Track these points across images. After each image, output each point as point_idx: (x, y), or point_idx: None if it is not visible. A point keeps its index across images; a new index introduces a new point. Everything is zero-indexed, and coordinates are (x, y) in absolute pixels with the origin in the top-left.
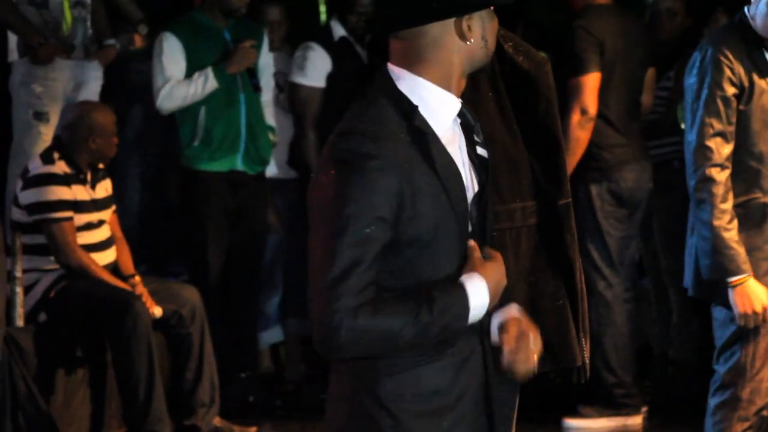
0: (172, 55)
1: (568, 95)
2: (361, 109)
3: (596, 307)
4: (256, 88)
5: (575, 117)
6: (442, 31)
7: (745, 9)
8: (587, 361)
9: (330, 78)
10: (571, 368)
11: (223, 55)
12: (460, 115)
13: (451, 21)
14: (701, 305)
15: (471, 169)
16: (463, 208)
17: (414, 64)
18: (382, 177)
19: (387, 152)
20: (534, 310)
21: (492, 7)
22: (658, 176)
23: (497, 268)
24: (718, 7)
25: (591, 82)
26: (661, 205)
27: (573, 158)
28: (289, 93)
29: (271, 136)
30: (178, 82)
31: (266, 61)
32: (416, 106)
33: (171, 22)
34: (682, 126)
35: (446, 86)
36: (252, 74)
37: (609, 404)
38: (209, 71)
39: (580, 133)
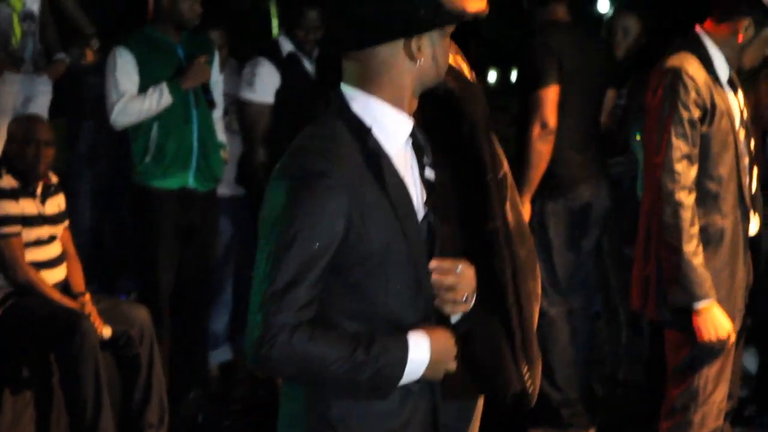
0: (125, 70)
1: (528, 110)
2: (315, 128)
3: (539, 325)
4: (211, 104)
5: (535, 130)
6: (393, 51)
7: (697, 29)
8: (531, 387)
9: (279, 94)
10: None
11: (177, 71)
12: (412, 135)
13: (401, 41)
14: (651, 325)
15: (422, 190)
16: (413, 230)
17: (366, 84)
18: (331, 196)
19: (338, 171)
20: (465, 338)
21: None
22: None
23: (447, 340)
24: (672, 34)
25: (550, 94)
26: (610, 223)
27: (535, 172)
28: (238, 109)
29: (222, 153)
30: (132, 97)
31: (217, 78)
32: (369, 128)
33: (124, 37)
34: (637, 138)
35: (398, 106)
36: (206, 90)
37: (556, 424)
38: (164, 86)
39: (540, 146)
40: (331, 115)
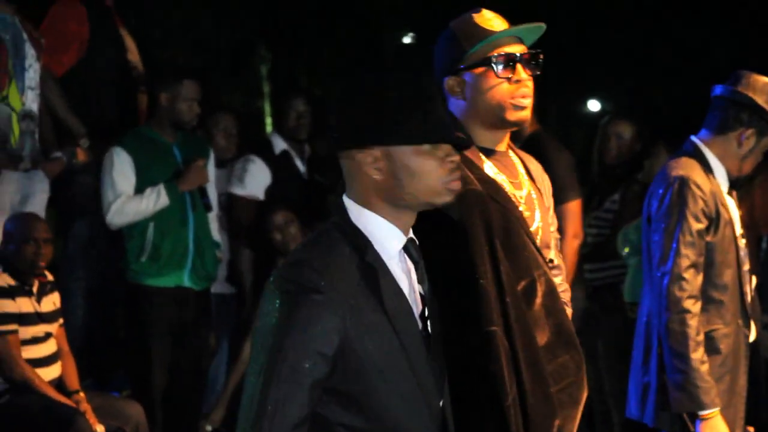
0: (122, 170)
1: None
2: (314, 239)
3: None
4: (208, 207)
5: (574, 243)
6: (352, 162)
7: (694, 138)
8: None
9: (269, 191)
10: None
11: (174, 171)
12: (405, 249)
13: (357, 152)
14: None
15: (417, 303)
16: (413, 343)
17: (356, 194)
18: (325, 312)
19: (334, 287)
20: None
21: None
22: (604, 298)
23: None
24: (659, 139)
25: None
26: (605, 328)
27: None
28: (228, 204)
29: (217, 253)
30: (128, 197)
31: (211, 178)
32: (369, 242)
33: (120, 137)
34: (625, 251)
35: (392, 220)
36: (203, 193)
37: None
38: (161, 188)
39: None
40: (330, 225)
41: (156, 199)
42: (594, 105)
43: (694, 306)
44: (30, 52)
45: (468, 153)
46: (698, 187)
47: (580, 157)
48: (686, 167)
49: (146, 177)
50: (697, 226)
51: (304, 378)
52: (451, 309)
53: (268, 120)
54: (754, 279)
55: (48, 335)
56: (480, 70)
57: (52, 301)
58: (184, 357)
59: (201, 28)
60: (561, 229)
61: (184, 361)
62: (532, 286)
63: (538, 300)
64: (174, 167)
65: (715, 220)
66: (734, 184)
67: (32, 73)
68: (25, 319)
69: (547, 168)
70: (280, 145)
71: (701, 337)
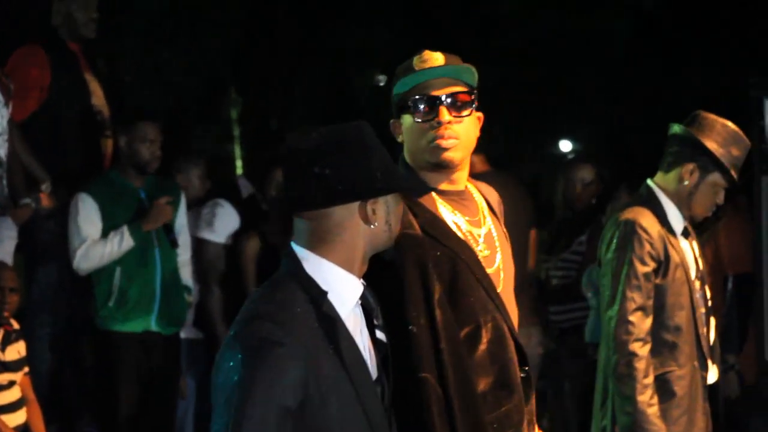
0: (87, 215)
1: None
2: (269, 292)
3: None
4: (173, 244)
5: None
6: (347, 214)
7: (650, 182)
8: None
9: (236, 235)
10: None
11: (139, 214)
12: (362, 296)
13: (356, 204)
14: None
15: (372, 352)
16: (369, 396)
17: (318, 245)
18: (288, 365)
19: (294, 339)
20: None
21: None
22: (569, 340)
23: None
24: (621, 183)
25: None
26: (571, 369)
27: None
28: (196, 249)
29: (187, 297)
30: (94, 242)
31: (183, 221)
32: (326, 292)
33: (86, 183)
34: (589, 293)
35: (349, 268)
36: (169, 230)
37: None
38: (125, 229)
39: None
40: (284, 276)
41: (120, 240)
42: (566, 146)
43: (641, 349)
44: None
45: (422, 200)
46: (644, 230)
47: (550, 198)
48: (635, 211)
49: (112, 221)
50: (643, 269)
51: (266, 424)
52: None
53: (239, 163)
54: (713, 320)
55: (12, 383)
56: (408, 114)
57: (16, 350)
58: (152, 403)
59: (172, 72)
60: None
61: (152, 407)
62: (476, 333)
63: (482, 346)
64: (140, 210)
65: (663, 263)
66: (699, 226)
67: (0, 119)
68: None
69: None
70: (247, 188)
71: (649, 380)
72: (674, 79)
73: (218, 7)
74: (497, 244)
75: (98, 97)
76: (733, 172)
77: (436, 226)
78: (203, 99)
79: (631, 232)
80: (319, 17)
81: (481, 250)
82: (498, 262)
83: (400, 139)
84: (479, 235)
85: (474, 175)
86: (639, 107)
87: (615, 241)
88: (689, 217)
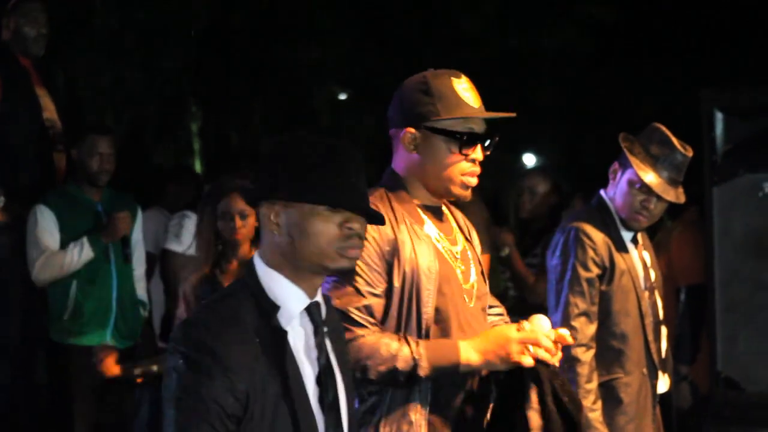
0: (46, 227)
1: None
2: (219, 298)
3: None
4: (127, 259)
5: None
6: (264, 220)
7: (602, 192)
8: None
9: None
10: None
11: (96, 227)
12: (308, 312)
13: (265, 210)
14: None
15: (315, 366)
16: (304, 411)
17: (268, 254)
18: (219, 375)
19: (229, 350)
20: None
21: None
22: None
23: None
24: (577, 192)
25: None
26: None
27: None
28: (163, 260)
29: (141, 311)
30: (53, 253)
31: (138, 236)
32: (278, 307)
33: (44, 195)
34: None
35: (296, 281)
36: (125, 244)
37: None
38: (84, 240)
39: None
40: (239, 283)
41: (80, 251)
42: (529, 159)
43: (583, 354)
44: None
45: (407, 209)
46: (588, 236)
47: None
48: (581, 218)
49: (70, 233)
50: (586, 274)
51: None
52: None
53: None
54: (664, 330)
55: None
56: (443, 137)
57: None
58: (107, 416)
59: (131, 87)
60: None
61: (107, 420)
62: None
63: None
64: (96, 222)
65: (608, 269)
66: (653, 233)
67: None
68: None
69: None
70: None
71: (591, 385)
72: (632, 94)
73: (177, 22)
74: (471, 259)
75: (50, 111)
76: (644, 167)
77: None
78: (163, 113)
79: (574, 238)
80: (277, 31)
81: (459, 266)
82: (473, 277)
83: (411, 149)
84: (457, 252)
85: None
86: (598, 121)
87: (559, 247)
88: (633, 225)
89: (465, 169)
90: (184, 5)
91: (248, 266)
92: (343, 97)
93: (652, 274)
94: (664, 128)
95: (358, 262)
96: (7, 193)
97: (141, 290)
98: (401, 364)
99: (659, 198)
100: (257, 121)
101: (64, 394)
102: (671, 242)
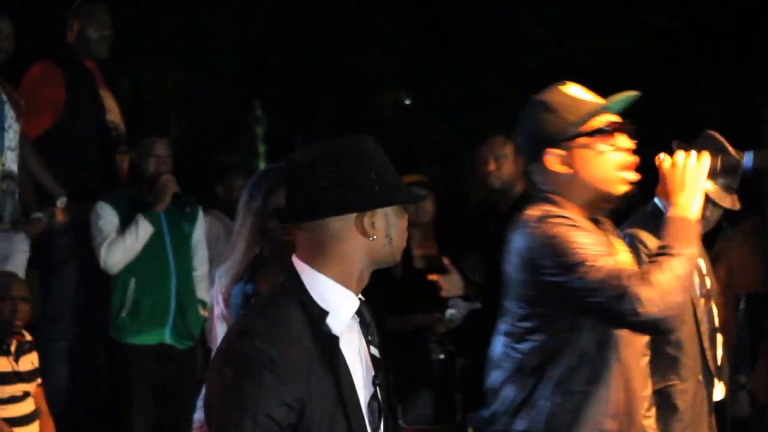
0: (107, 218)
1: None
2: (265, 305)
3: None
4: (183, 209)
5: None
6: (344, 226)
7: (656, 199)
8: None
9: None
10: None
11: (156, 234)
12: (358, 313)
13: (353, 216)
14: None
15: (368, 368)
16: (356, 416)
17: (315, 258)
18: (276, 384)
19: (285, 357)
20: None
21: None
22: None
23: None
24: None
25: None
26: None
27: None
28: None
29: (201, 311)
30: (114, 237)
31: (199, 236)
32: (327, 313)
33: (105, 194)
34: None
35: (346, 283)
36: (179, 203)
37: None
38: (139, 217)
39: None
40: (282, 290)
41: (137, 228)
42: None
43: None
44: (9, 113)
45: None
46: (643, 243)
47: None
48: (636, 224)
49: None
50: None
51: None
52: None
53: None
54: (720, 338)
55: (26, 394)
56: (586, 141)
57: (30, 361)
58: (166, 417)
59: (194, 87)
60: None
61: (166, 420)
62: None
63: None
64: (156, 226)
65: None
66: (712, 241)
67: (12, 134)
68: (2, 378)
69: None
70: None
71: (646, 392)
72: (691, 100)
73: (239, 24)
74: None
75: (114, 114)
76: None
77: None
78: (227, 116)
79: (629, 245)
80: (341, 34)
81: None
82: None
83: (558, 168)
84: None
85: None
86: (659, 128)
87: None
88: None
89: (621, 163)
90: (247, 9)
91: (288, 270)
92: (407, 100)
93: (708, 282)
94: (717, 135)
95: (582, 239)
96: (69, 193)
97: (202, 290)
98: None
99: (715, 205)
100: (321, 124)
101: (124, 393)
102: (731, 250)
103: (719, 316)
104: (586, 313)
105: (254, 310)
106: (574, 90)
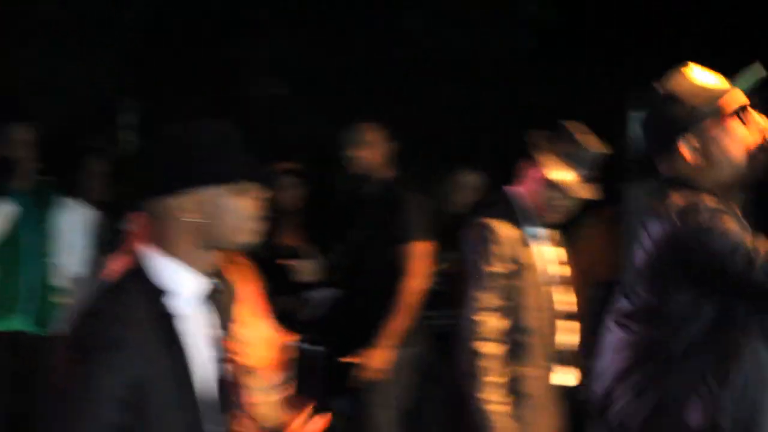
0: None
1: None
2: (109, 288)
3: None
4: (44, 195)
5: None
6: (174, 206)
7: (505, 188)
8: None
9: None
10: None
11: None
12: (212, 296)
13: (183, 198)
14: None
15: (212, 347)
16: (191, 395)
17: (154, 239)
18: (123, 363)
19: (130, 337)
20: None
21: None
22: (445, 346)
23: None
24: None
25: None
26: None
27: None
28: None
29: (60, 298)
30: None
31: (61, 225)
32: (162, 291)
33: None
34: None
35: (187, 263)
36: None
37: None
38: None
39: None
40: (129, 271)
41: None
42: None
43: (485, 347)
44: None
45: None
46: (496, 232)
47: None
48: (488, 214)
49: None
50: (493, 270)
51: (105, 429)
52: None
53: None
54: (573, 325)
55: None
56: (717, 124)
57: None
58: (23, 404)
59: (67, 80)
60: (400, 268)
61: (24, 408)
62: None
63: None
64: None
65: (516, 264)
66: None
67: None
68: None
69: (397, 209)
70: None
71: (494, 379)
72: (562, 93)
73: (112, 16)
74: None
75: None
76: (555, 164)
77: None
78: (100, 105)
79: (483, 233)
80: (218, 26)
81: None
82: None
83: (694, 156)
84: None
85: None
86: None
87: (469, 243)
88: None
89: (751, 140)
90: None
91: (134, 255)
92: (284, 92)
93: (563, 270)
94: (574, 125)
95: (730, 225)
96: None
97: (60, 278)
98: None
99: (571, 194)
100: (197, 114)
101: None
102: (593, 239)
103: (578, 304)
104: (739, 297)
105: (99, 293)
106: (697, 73)
